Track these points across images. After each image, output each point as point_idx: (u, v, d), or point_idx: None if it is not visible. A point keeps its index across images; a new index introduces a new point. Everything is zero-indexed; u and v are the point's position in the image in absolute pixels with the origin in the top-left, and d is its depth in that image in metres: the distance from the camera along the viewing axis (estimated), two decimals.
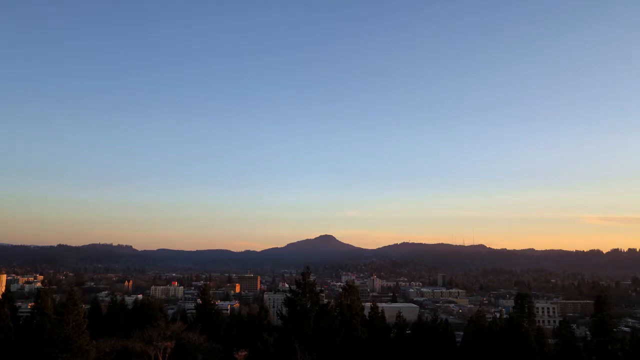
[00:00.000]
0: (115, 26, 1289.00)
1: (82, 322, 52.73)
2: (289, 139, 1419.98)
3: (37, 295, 68.78)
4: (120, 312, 78.40)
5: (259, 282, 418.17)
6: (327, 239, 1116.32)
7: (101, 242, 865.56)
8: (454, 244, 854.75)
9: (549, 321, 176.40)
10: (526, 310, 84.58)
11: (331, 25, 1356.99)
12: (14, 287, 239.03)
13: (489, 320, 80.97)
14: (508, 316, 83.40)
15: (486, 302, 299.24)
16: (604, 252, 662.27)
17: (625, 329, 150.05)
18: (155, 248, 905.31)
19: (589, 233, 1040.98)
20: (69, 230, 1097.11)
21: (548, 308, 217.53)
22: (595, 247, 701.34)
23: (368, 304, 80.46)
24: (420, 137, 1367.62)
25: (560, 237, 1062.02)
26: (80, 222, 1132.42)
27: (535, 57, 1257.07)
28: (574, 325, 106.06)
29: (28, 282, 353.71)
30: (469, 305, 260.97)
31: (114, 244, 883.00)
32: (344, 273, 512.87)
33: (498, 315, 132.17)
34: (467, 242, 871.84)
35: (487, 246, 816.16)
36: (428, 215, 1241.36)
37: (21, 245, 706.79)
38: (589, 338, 72.67)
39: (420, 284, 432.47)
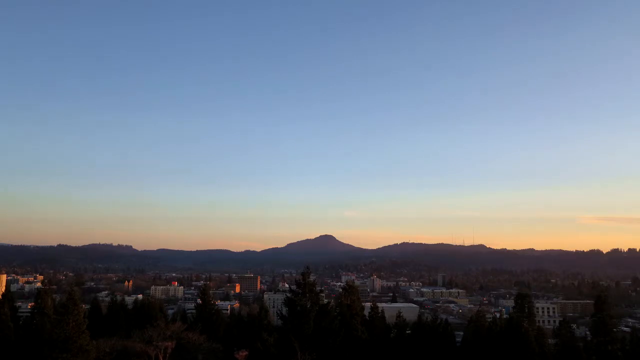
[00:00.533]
0: (116, 26, 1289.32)
1: (82, 322, 52.73)
2: (289, 139, 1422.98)
3: (37, 295, 68.69)
4: (120, 312, 78.44)
5: (259, 282, 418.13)
6: (327, 239, 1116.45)
7: (101, 242, 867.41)
8: (454, 244, 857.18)
9: (549, 321, 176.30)
10: (526, 310, 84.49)
11: (331, 25, 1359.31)
12: (14, 287, 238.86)
13: (489, 320, 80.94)
14: (508, 316, 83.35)
15: (486, 302, 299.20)
16: (604, 252, 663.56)
17: (625, 329, 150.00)
18: (155, 248, 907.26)
19: (589, 233, 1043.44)
20: (69, 230, 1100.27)
21: (548, 308, 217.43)
22: (595, 247, 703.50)
23: (368, 304, 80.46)
24: (420, 137, 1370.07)
25: (560, 237, 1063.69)
26: (80, 222, 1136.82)
27: (535, 57, 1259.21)
28: (574, 325, 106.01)
29: (28, 282, 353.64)
30: (469, 305, 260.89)
31: (114, 244, 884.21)
32: (344, 273, 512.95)
33: (498, 315, 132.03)
34: (467, 242, 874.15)
35: (487, 246, 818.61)
36: (428, 215, 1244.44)
37: (21, 245, 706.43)
38: (589, 338, 72.58)
39: (420, 284, 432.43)
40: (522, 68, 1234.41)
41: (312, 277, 60.21)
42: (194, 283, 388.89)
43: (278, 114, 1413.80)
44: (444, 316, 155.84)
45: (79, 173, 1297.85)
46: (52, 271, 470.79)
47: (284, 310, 57.79)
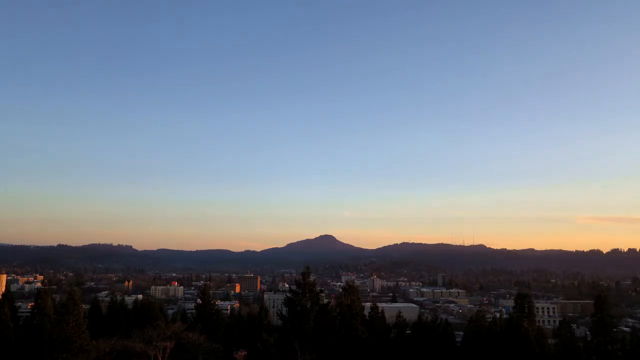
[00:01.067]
0: (116, 26, 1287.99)
1: (82, 322, 52.81)
2: (289, 139, 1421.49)
3: (37, 295, 68.62)
4: (120, 312, 78.42)
5: (259, 282, 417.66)
6: (327, 239, 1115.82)
7: (101, 242, 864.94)
8: (454, 244, 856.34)
9: (549, 321, 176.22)
10: (526, 310, 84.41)
11: (331, 25, 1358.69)
12: (14, 287, 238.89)
13: (489, 320, 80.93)
14: (508, 316, 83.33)
15: (486, 302, 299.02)
16: (604, 252, 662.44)
17: (625, 329, 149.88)
18: (155, 248, 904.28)
19: (589, 233, 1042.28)
20: (69, 230, 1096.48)
21: (548, 308, 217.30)
22: (595, 247, 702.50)
23: (368, 304, 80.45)
24: (420, 136, 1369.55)
25: (560, 237, 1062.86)
26: (81, 222, 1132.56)
27: (535, 57, 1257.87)
28: (574, 325, 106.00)
29: (28, 282, 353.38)
30: (469, 306, 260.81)
31: (114, 244, 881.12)
32: (344, 273, 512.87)
33: (498, 315, 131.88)
34: (467, 242, 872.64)
35: (487, 246, 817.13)
36: (428, 215, 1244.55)
37: (21, 245, 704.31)
38: (589, 338, 72.58)
39: (420, 284, 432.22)
40: (521, 68, 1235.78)
41: (312, 277, 60.32)
42: (194, 283, 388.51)
43: (278, 114, 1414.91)
44: (444, 316, 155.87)
45: (79, 173, 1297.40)
46: (52, 271, 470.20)
47: (284, 310, 57.84)
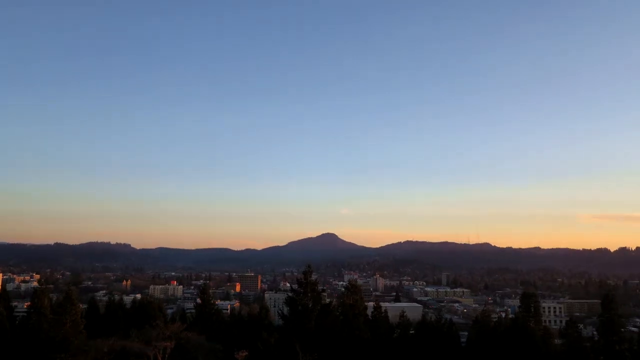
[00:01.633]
0: (116, 26, 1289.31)
1: (80, 322, 52.57)
2: (290, 136, 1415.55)
3: (34, 294, 67.91)
4: (118, 312, 78.16)
5: (259, 281, 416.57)
6: (329, 237, 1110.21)
7: (99, 241, 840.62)
8: (459, 243, 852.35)
9: (555, 321, 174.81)
10: (532, 310, 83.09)
11: (331, 24, 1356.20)
12: (10, 287, 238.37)
13: (494, 320, 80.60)
14: (514, 316, 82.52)
15: (491, 301, 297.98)
16: (612, 250, 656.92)
17: (633, 329, 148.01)
18: (154, 246, 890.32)
19: (596, 231, 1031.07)
20: (66, 228, 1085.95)
21: (554, 308, 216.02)
22: (602, 246, 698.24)
23: (371, 304, 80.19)
24: (423, 133, 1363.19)
25: (566, 235, 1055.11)
26: (78, 220, 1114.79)
27: (540, 54, 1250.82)
28: (581, 325, 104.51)
29: (24, 282, 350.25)
30: (473, 305, 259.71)
31: (112, 243, 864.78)
32: (346, 272, 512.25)
33: (504, 315, 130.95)
34: (472, 241, 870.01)
35: (492, 244, 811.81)
36: (432, 214, 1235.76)
37: (17, 244, 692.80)
38: (596, 338, 71.64)
39: (424, 283, 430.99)
40: (527, 64, 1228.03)
41: (313, 276, 60.07)
42: (193, 282, 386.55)
43: (279, 112, 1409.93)
44: (448, 316, 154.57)
45: (76, 170, 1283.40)
46: (48, 270, 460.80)
47: (285, 309, 57.59)
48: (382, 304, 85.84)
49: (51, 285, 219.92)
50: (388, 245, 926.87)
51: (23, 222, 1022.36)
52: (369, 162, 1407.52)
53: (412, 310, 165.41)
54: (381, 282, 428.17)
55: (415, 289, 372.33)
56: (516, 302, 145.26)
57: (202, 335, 60.64)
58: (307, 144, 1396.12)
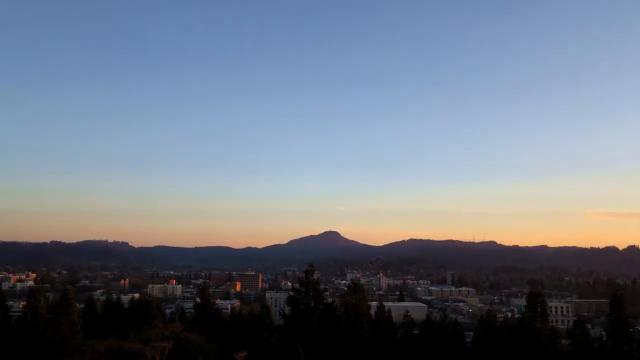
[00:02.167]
0: (116, 25, 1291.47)
1: (77, 322, 52.31)
2: (290, 133, 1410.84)
3: (30, 294, 66.72)
4: (116, 312, 77.73)
5: (260, 280, 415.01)
6: (331, 235, 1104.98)
7: (96, 239, 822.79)
8: (464, 241, 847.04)
9: (562, 321, 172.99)
10: (539, 310, 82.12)
11: (331, 24, 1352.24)
12: (5, 286, 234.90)
13: (500, 320, 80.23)
14: (520, 316, 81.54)
15: (497, 301, 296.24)
16: (620, 249, 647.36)
17: None
18: (152, 245, 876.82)
19: (604, 229, 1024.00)
20: (63, 226, 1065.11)
21: (562, 307, 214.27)
22: (610, 244, 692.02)
23: (374, 303, 79.66)
24: (427, 130, 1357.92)
25: (574, 234, 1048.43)
26: (75, 218, 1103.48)
27: (547, 51, 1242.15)
28: (589, 325, 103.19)
29: (20, 281, 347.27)
30: (479, 305, 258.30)
31: (109, 241, 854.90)
32: (349, 271, 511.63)
33: (510, 314, 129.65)
34: (478, 239, 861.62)
35: (498, 243, 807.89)
36: (436, 211, 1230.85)
37: (13, 242, 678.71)
38: (604, 338, 71.09)
39: (429, 282, 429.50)
40: (532, 59, 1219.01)
41: (315, 275, 59.71)
42: (192, 281, 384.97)
43: (280, 110, 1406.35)
44: (453, 316, 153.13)
45: (72, 167, 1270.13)
46: (45, 269, 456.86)
47: (287, 309, 57.04)
48: (385, 303, 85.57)
49: (47, 285, 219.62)
50: (391, 243, 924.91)
51: (18, 220, 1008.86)
52: (372, 160, 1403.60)
53: (416, 309, 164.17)
54: (384, 281, 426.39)
55: (419, 288, 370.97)
56: (522, 302, 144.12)
57: (202, 335, 60.28)
58: (308, 141, 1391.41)
